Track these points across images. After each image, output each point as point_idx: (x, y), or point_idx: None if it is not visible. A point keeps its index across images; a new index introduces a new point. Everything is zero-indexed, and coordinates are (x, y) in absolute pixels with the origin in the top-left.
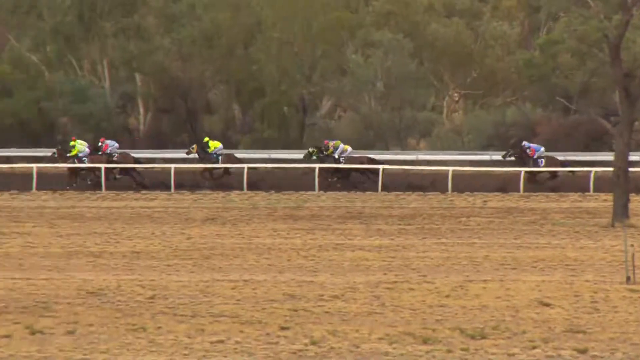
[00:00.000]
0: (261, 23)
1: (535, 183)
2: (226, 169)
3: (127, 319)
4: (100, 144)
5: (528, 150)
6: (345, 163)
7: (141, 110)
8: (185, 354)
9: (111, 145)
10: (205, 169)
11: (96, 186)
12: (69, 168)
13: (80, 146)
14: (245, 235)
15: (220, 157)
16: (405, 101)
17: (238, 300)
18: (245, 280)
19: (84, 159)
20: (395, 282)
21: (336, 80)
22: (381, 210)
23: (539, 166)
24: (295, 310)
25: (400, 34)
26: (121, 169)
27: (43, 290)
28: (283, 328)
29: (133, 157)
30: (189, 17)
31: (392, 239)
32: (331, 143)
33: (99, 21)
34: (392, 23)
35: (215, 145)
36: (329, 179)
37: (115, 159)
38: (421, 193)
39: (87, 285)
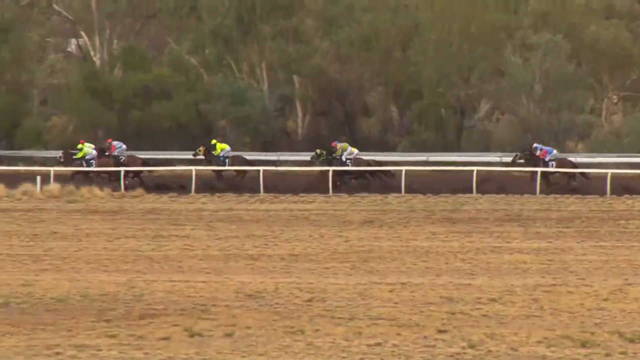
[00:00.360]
0: (419, 25)
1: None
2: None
3: (285, 322)
4: (107, 144)
5: (539, 152)
6: (352, 165)
7: (299, 112)
8: (343, 357)
9: (118, 147)
10: (215, 171)
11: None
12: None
13: (88, 149)
14: (403, 238)
15: (227, 160)
16: (564, 103)
17: (396, 303)
18: (402, 283)
19: (91, 161)
20: (554, 285)
21: (494, 82)
22: (539, 213)
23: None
24: (453, 314)
25: (559, 35)
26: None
27: (201, 293)
28: (441, 331)
29: (141, 159)
30: (347, 19)
31: (550, 242)
32: (339, 145)
33: (258, 24)
34: (549, 24)
35: (222, 147)
36: (338, 182)
37: (123, 161)
38: (579, 196)
39: (245, 288)
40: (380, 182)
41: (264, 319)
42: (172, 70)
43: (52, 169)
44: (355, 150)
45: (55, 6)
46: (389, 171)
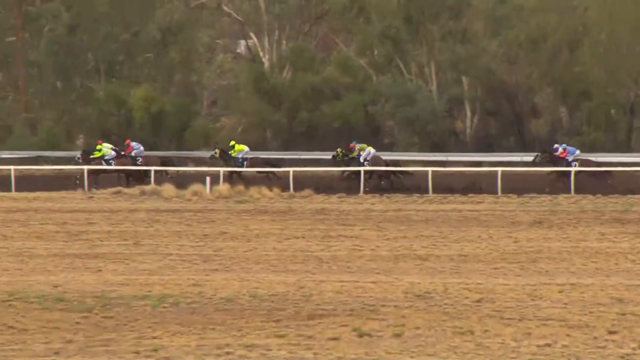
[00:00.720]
0: (587, 25)
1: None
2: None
3: (454, 322)
4: (125, 144)
5: (560, 152)
6: (370, 165)
7: (468, 113)
8: (512, 357)
9: (136, 147)
10: (231, 172)
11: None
12: (91, 169)
13: (106, 149)
14: (573, 239)
15: (246, 161)
16: None
17: (565, 304)
18: (572, 284)
19: (110, 161)
20: None
21: None
22: None
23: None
24: (623, 314)
25: None
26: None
27: (370, 293)
28: (611, 332)
29: (158, 159)
30: (516, 20)
31: None
32: (357, 146)
33: (427, 24)
34: None
35: (240, 148)
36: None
37: (139, 162)
38: None
39: (414, 288)
40: (400, 182)
41: (433, 319)
42: (341, 71)
43: (221, 169)
44: (373, 150)
45: (224, 7)
46: (407, 171)
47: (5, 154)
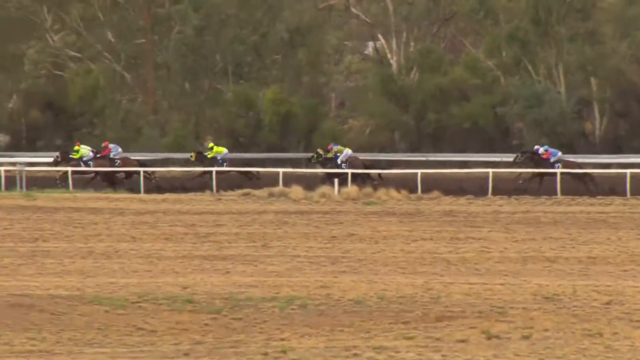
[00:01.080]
0: None
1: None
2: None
3: (583, 324)
4: (103, 146)
5: (542, 152)
6: (348, 167)
7: (597, 114)
8: None
9: (114, 149)
10: (204, 172)
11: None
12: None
13: (85, 150)
14: None
15: (225, 163)
16: None
17: None
18: None
19: (89, 162)
20: None
21: None
22: None
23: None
24: None
25: None
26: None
27: (499, 295)
28: None
29: (137, 161)
30: None
31: None
32: (335, 148)
33: (555, 26)
34: None
35: (219, 150)
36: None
37: (117, 164)
38: None
39: (543, 290)
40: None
41: (562, 322)
42: (469, 73)
43: (349, 171)
44: (350, 151)
45: (353, 9)
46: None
47: (136, 155)
